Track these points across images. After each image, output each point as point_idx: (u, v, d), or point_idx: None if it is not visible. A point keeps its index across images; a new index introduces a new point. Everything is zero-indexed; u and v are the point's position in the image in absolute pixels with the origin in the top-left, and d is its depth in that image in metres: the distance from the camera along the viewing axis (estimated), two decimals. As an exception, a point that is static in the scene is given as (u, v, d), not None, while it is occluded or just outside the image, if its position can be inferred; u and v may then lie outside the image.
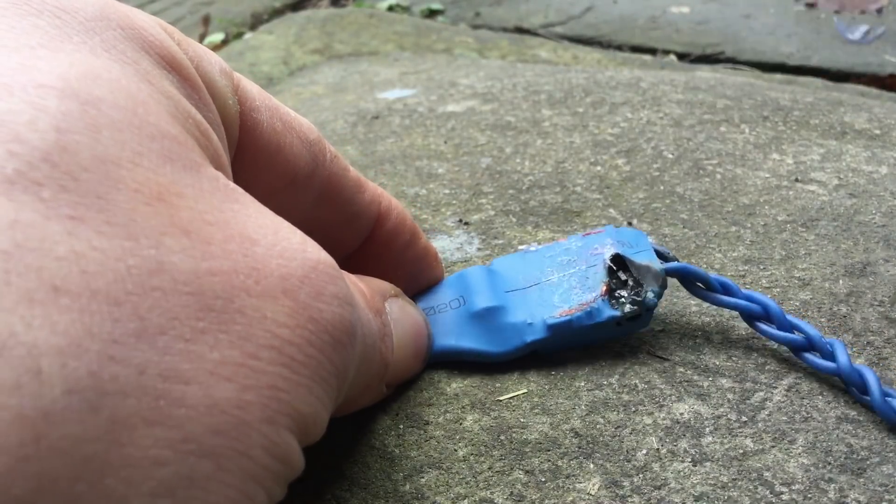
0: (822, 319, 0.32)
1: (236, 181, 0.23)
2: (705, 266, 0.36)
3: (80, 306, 0.14)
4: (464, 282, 0.30)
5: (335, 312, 0.19)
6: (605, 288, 0.28)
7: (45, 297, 0.13)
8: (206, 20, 1.28)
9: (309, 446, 0.19)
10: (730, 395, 0.28)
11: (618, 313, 0.28)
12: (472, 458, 0.26)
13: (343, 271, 0.22)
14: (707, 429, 0.27)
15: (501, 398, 0.28)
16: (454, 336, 0.29)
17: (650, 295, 0.28)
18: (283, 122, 0.24)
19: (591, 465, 0.25)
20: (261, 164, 0.24)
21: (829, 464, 0.25)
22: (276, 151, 0.24)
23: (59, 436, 0.13)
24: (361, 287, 0.25)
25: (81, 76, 0.16)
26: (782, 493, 0.24)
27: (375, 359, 0.23)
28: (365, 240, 0.29)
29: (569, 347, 0.29)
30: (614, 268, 0.28)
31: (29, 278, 0.13)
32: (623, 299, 0.28)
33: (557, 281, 0.29)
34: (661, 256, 0.29)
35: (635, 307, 0.28)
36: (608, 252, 0.29)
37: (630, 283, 0.28)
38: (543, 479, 0.25)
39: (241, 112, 0.23)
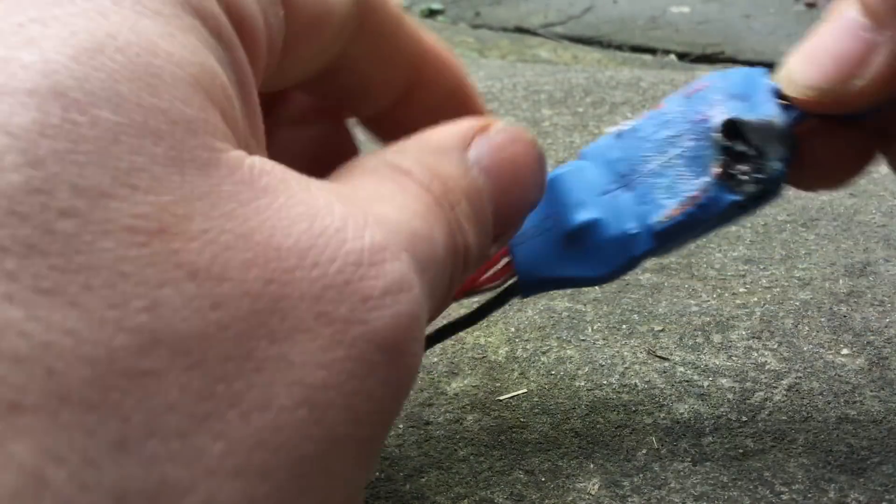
0: (822, 319, 0.32)
1: (289, 57, 0.19)
2: (705, 266, 0.36)
3: (43, 424, 0.11)
4: (553, 191, 0.24)
5: (391, 312, 0.15)
6: (719, 169, 0.22)
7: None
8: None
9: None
10: (730, 395, 0.28)
11: (739, 198, 0.22)
12: (472, 458, 0.26)
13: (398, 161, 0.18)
14: (707, 429, 0.27)
15: (502, 398, 0.28)
16: (549, 265, 0.24)
17: (775, 165, 0.22)
18: None
19: (592, 465, 0.25)
20: (311, 30, 0.20)
21: (830, 464, 0.25)
22: (323, 12, 0.20)
23: None
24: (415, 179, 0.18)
25: (75, 58, 0.13)
26: (782, 492, 0.24)
27: (451, 267, 0.19)
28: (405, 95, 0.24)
29: (685, 243, 0.25)
30: (727, 142, 0.22)
31: None
32: (744, 177, 0.22)
33: (659, 169, 0.23)
34: (785, 99, 0.22)
35: (759, 185, 0.22)
36: (717, 117, 0.22)
37: (750, 154, 0.22)
38: (543, 479, 0.25)
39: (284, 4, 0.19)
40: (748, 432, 0.26)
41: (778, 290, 0.34)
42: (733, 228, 0.38)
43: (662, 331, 0.31)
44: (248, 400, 0.13)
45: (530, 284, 0.25)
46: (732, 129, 0.22)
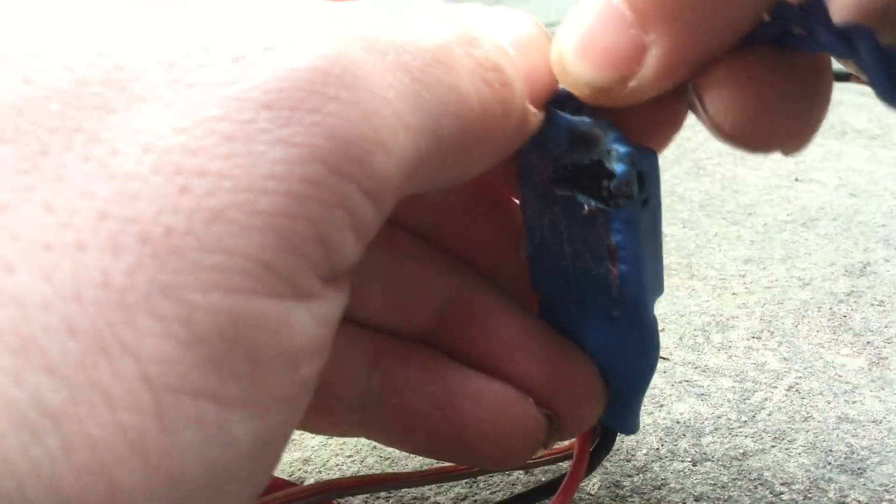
0: (823, 319, 0.32)
1: None
2: (705, 266, 0.36)
3: None
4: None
5: (277, 65, 0.12)
6: (591, 208, 0.19)
7: None
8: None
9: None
10: (730, 395, 0.28)
11: (633, 203, 0.19)
12: (472, 458, 0.26)
13: None
14: (707, 429, 0.27)
15: (501, 398, 0.28)
16: (630, 403, 0.22)
17: (619, 151, 0.18)
18: None
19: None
20: None
21: (829, 464, 0.25)
22: None
23: None
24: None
25: None
26: (782, 493, 0.24)
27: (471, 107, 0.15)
28: None
29: (656, 263, 0.21)
30: (567, 189, 0.19)
31: None
32: (614, 189, 0.19)
33: (573, 254, 0.20)
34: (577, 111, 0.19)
35: (627, 176, 0.18)
36: (545, 175, 0.20)
37: (593, 170, 0.19)
38: (544, 479, 0.25)
39: None
40: (748, 432, 0.26)
41: (778, 290, 0.34)
42: (733, 228, 0.38)
43: (662, 331, 0.31)
44: (85, 171, 0.11)
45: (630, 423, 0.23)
46: (564, 172, 0.19)
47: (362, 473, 0.25)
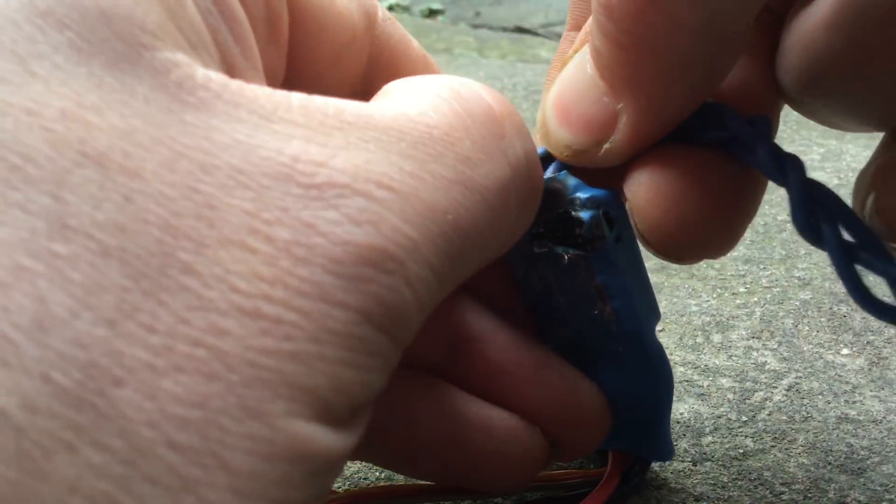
0: (822, 319, 0.32)
1: (295, 52, 0.19)
2: (705, 266, 0.36)
3: None
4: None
5: (342, 237, 0.13)
6: (572, 256, 0.20)
7: None
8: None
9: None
10: (730, 395, 0.28)
11: (607, 241, 0.20)
12: (472, 458, 0.26)
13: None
14: (707, 429, 0.27)
15: (501, 398, 0.28)
16: (660, 425, 0.23)
17: (581, 197, 0.20)
18: None
19: (592, 465, 0.25)
20: (318, 23, 0.20)
21: (829, 464, 0.25)
22: (329, 5, 0.20)
23: None
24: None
25: None
26: (782, 493, 0.24)
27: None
28: None
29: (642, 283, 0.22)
30: (545, 245, 0.21)
31: None
32: (588, 234, 0.20)
33: (564, 302, 0.21)
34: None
35: (595, 218, 0.20)
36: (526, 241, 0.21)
37: (564, 221, 0.20)
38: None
39: None
40: (748, 432, 0.26)
41: (778, 290, 0.34)
42: (733, 228, 0.38)
43: (662, 331, 0.31)
44: (182, 299, 0.12)
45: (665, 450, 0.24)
46: (537, 230, 0.20)
47: (361, 474, 0.25)
